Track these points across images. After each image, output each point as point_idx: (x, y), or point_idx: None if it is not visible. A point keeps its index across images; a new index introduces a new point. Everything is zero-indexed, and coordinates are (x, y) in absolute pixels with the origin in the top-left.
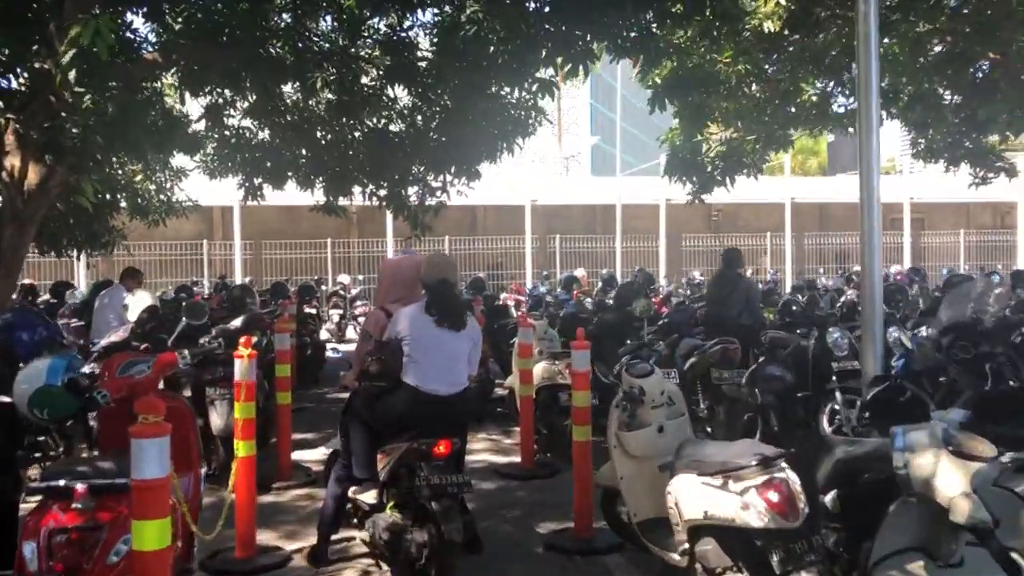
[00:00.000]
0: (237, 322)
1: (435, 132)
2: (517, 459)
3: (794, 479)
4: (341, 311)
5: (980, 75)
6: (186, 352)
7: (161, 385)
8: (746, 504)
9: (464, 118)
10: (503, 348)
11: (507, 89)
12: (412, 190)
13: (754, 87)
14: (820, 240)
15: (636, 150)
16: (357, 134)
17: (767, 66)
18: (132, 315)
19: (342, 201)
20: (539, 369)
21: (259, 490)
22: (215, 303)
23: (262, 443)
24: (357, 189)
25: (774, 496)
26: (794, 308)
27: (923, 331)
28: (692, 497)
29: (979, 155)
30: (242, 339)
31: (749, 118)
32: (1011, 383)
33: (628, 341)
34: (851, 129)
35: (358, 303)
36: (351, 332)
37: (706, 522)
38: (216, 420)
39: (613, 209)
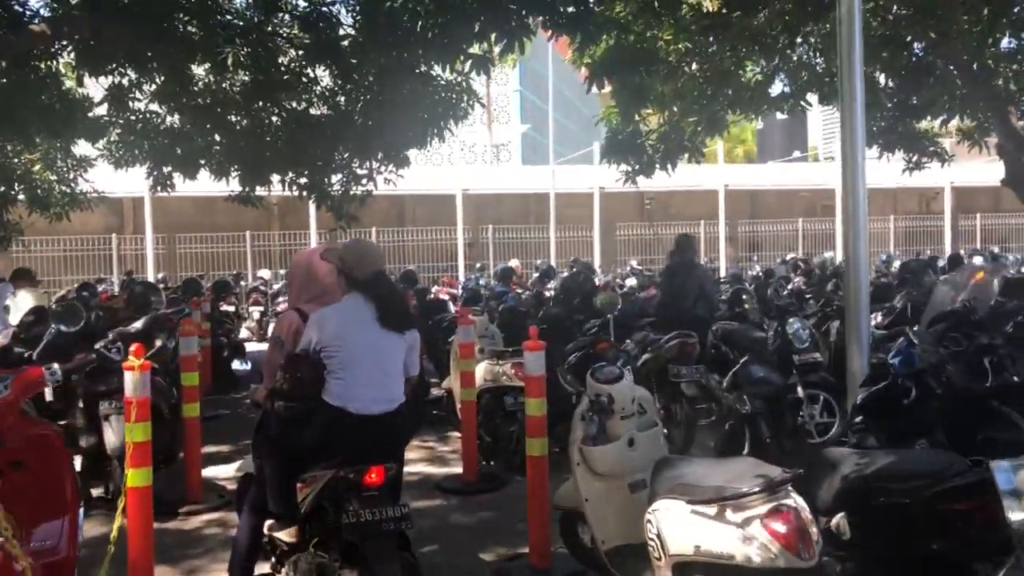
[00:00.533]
0: (138, 324)
1: (359, 115)
2: (458, 469)
3: (804, 507)
4: (262, 308)
5: (915, 58)
6: (55, 367)
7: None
8: (748, 537)
9: (391, 100)
10: (439, 346)
11: (437, 68)
12: (335, 178)
13: (694, 66)
14: (753, 228)
15: (567, 139)
16: (275, 118)
17: (707, 45)
18: (15, 318)
19: (260, 191)
20: (481, 370)
21: (164, 515)
22: (122, 302)
23: (169, 460)
24: (276, 177)
25: (782, 527)
26: (744, 297)
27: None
28: (680, 528)
29: (913, 140)
30: (132, 347)
31: (689, 99)
32: (1015, 379)
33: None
34: (780, 114)
35: (280, 299)
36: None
37: (697, 558)
38: (111, 438)
39: (546, 198)
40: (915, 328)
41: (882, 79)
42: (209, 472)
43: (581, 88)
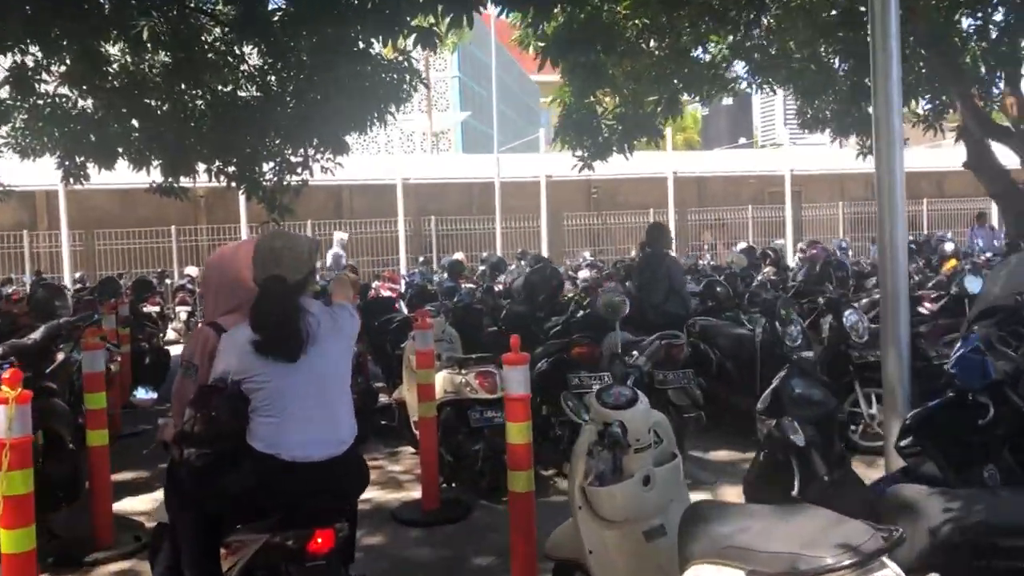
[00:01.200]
0: (35, 335)
1: (292, 98)
2: (415, 493)
3: None
4: (190, 308)
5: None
6: None
7: None
8: None
9: (327, 81)
10: (386, 350)
11: (377, 46)
12: (267, 167)
13: (652, 43)
14: (701, 216)
15: (508, 128)
16: (199, 102)
17: (667, 21)
18: None
19: (184, 181)
20: (440, 380)
21: (65, 566)
22: (25, 307)
23: (73, 497)
24: (202, 167)
25: None
26: (719, 290)
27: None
28: None
29: (867, 124)
30: (6, 372)
31: (647, 78)
32: None
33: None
34: (726, 100)
35: None
36: None
37: None
38: None
39: (490, 188)
40: None
41: (836, 62)
42: (123, 506)
43: (522, 76)
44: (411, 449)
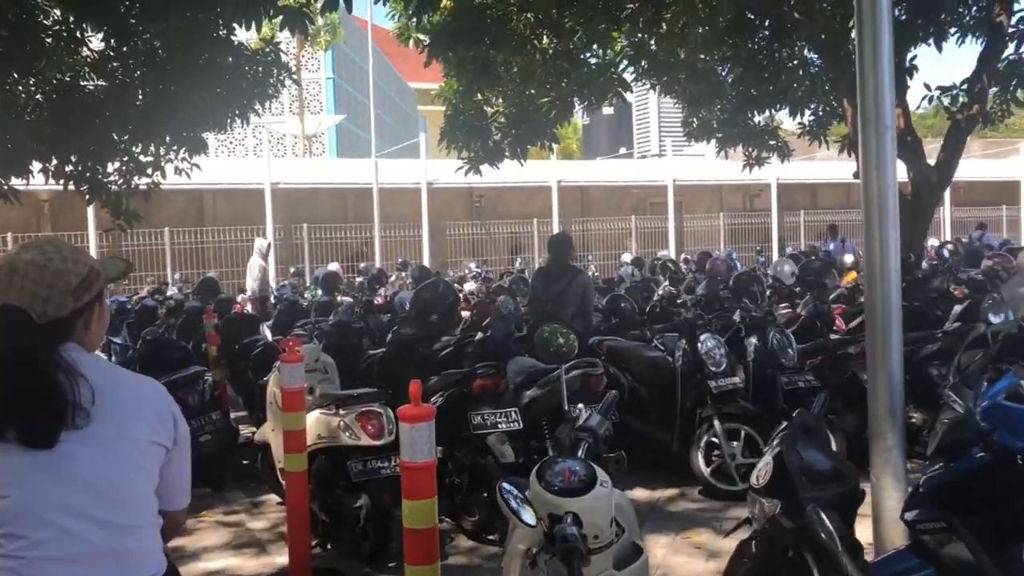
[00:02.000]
0: None
1: (142, 90)
2: (281, 558)
3: None
4: None
5: (762, 45)
6: None
7: None
8: None
9: (182, 71)
10: (247, 376)
11: (241, 33)
12: (112, 167)
13: (545, 41)
14: (585, 226)
15: (385, 134)
16: (35, 92)
17: (560, 17)
18: None
19: (17, 183)
20: (312, 423)
21: None
22: None
23: None
24: (37, 166)
25: None
26: (623, 305)
27: None
28: None
29: (753, 134)
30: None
31: (541, 77)
32: None
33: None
34: (608, 110)
35: None
36: None
37: None
38: None
39: (367, 194)
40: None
41: (725, 70)
42: None
43: (399, 82)
44: (276, 498)
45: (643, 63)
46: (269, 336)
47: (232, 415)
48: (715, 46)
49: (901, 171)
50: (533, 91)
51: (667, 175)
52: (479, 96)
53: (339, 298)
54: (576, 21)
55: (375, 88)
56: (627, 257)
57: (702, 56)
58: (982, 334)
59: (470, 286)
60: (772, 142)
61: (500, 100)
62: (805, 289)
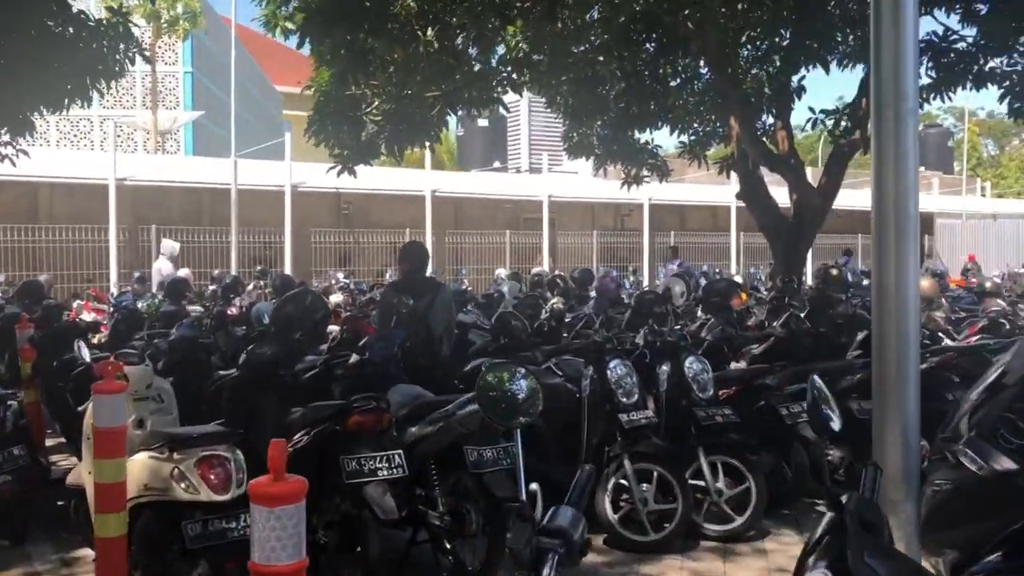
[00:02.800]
0: None
1: None
2: None
3: None
4: None
5: (647, 62)
6: None
7: None
8: None
9: (8, 38)
10: (66, 401)
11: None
12: None
13: (430, 32)
14: (458, 239)
15: (248, 134)
16: None
17: (442, 8)
18: None
19: None
20: (137, 469)
21: None
22: None
23: None
24: None
25: None
26: (514, 323)
27: None
28: None
29: (632, 152)
30: None
31: (423, 72)
32: None
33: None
34: (482, 120)
35: None
36: None
37: None
38: None
39: (225, 196)
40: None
41: (608, 85)
42: None
43: (264, 83)
44: (93, 555)
45: (526, 72)
46: (86, 355)
47: (50, 443)
48: (606, 52)
49: (782, 195)
50: (411, 90)
51: (543, 191)
52: (353, 88)
53: (187, 308)
54: (462, 16)
55: (239, 86)
56: (502, 272)
57: (587, 68)
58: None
59: (336, 298)
60: (651, 161)
61: (377, 95)
62: (708, 311)
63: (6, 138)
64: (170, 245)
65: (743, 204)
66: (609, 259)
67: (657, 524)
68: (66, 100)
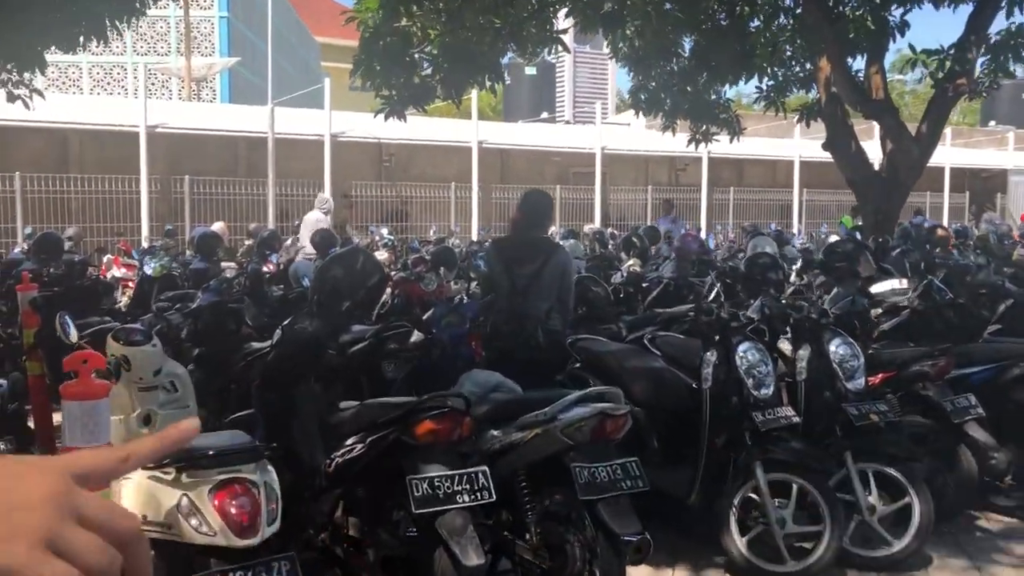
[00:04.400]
0: None
1: None
2: None
3: None
4: None
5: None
6: None
7: None
8: None
9: None
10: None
11: None
12: None
13: None
14: (505, 194)
15: (284, 83)
16: None
17: None
18: None
19: None
20: (136, 493)
21: None
22: None
23: None
24: None
25: None
26: (594, 291)
27: None
28: None
29: (703, 107)
30: None
31: (477, 5)
32: None
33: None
34: (530, 68)
35: None
36: None
37: None
38: None
39: (261, 145)
40: None
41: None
42: None
43: (303, 32)
44: None
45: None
46: (72, 334)
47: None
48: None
49: (874, 148)
50: (467, 23)
51: (594, 143)
52: (404, 21)
53: (220, 265)
54: None
55: (276, 33)
56: (555, 229)
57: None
58: None
59: (380, 256)
60: (723, 116)
61: (429, 27)
62: (831, 279)
63: (16, 77)
64: (324, 197)
65: (811, 158)
66: (658, 215)
67: (797, 552)
68: (81, 39)
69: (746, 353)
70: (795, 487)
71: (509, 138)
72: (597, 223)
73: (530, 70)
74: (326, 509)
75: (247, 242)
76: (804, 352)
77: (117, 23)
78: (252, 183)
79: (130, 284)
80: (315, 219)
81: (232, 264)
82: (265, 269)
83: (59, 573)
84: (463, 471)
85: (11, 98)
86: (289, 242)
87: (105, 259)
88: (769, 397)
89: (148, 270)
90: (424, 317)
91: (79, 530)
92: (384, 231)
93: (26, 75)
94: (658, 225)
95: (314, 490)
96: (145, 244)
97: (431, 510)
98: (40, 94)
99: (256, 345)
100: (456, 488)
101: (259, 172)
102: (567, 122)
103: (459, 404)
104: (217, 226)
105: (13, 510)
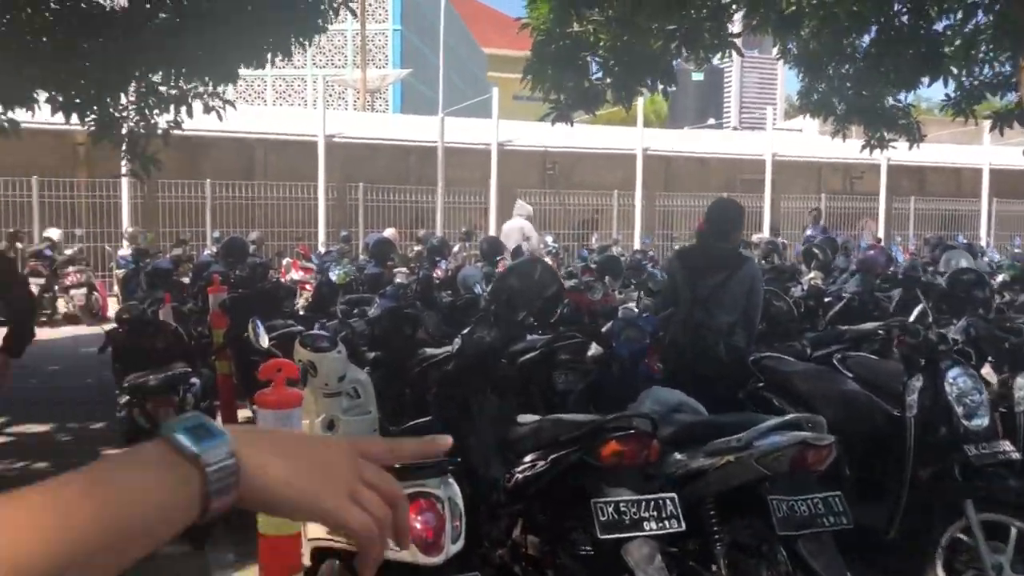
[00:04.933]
0: None
1: (168, 8)
2: None
3: None
4: (43, 281)
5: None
6: None
7: None
8: None
9: None
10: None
11: None
12: (127, 99)
13: None
14: (669, 201)
15: (454, 95)
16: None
17: None
18: None
19: (21, 116)
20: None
21: None
22: None
23: None
24: (43, 96)
25: None
26: (777, 305)
27: None
28: None
29: (878, 113)
30: None
31: (653, 3)
32: None
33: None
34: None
35: (71, 268)
36: (62, 307)
37: None
38: None
39: (430, 155)
40: None
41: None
42: None
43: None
44: None
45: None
46: (263, 340)
47: (244, 413)
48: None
49: None
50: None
51: (763, 149)
52: (575, 25)
53: (394, 273)
54: None
55: (445, 45)
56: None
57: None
58: None
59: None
60: (902, 122)
61: (601, 32)
62: None
63: (211, 88)
64: (525, 206)
65: (1003, 166)
66: (837, 225)
67: None
68: (268, 55)
69: (956, 379)
70: (1014, 531)
71: (674, 145)
72: (765, 232)
73: (697, 75)
74: (504, 526)
75: (416, 248)
76: (1019, 382)
77: (301, 39)
78: (421, 191)
79: (307, 287)
80: (518, 226)
81: (403, 270)
82: (435, 274)
83: (360, 519)
84: (651, 497)
85: (206, 109)
86: (456, 248)
87: (284, 262)
88: (983, 429)
89: (333, 276)
90: (603, 329)
91: (366, 488)
92: (548, 239)
93: (220, 88)
94: (808, 234)
95: (491, 505)
96: (322, 249)
97: (617, 536)
98: (232, 105)
99: (430, 351)
100: (643, 514)
101: (428, 180)
102: (734, 128)
103: (646, 426)
104: (388, 232)
105: (329, 466)
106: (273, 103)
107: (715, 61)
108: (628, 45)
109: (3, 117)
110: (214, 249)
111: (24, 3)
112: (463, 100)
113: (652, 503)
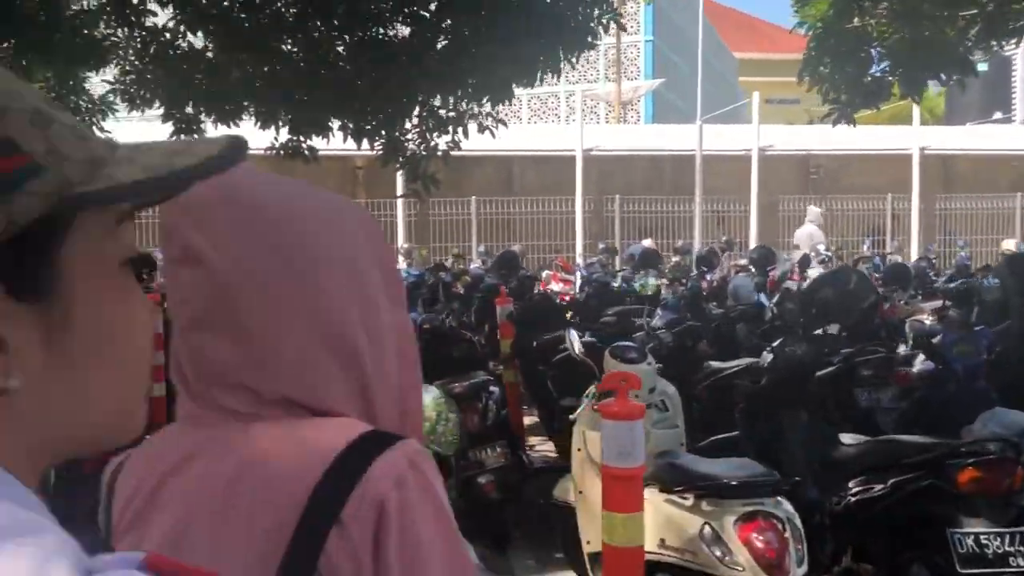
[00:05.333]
0: None
1: (446, 35)
2: None
3: None
4: None
5: None
6: None
7: None
8: None
9: (491, 12)
10: (543, 382)
11: None
12: (410, 124)
13: None
14: (949, 204)
15: (705, 103)
16: (337, 44)
17: None
18: None
19: (319, 143)
20: (651, 514)
21: None
22: None
23: None
24: (335, 123)
25: None
26: None
27: None
28: None
29: None
30: None
31: None
32: None
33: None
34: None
35: None
36: None
37: None
38: None
39: (684, 163)
40: None
41: None
42: None
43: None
44: None
45: None
46: (576, 346)
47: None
48: None
49: None
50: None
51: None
52: (856, 20)
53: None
54: None
55: (694, 51)
56: (1010, 243)
57: None
58: None
59: (814, 272)
60: None
61: (884, 27)
62: None
63: (487, 108)
64: (815, 210)
65: None
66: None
67: None
68: (538, 69)
69: None
70: None
71: (954, 142)
72: None
73: (982, 66)
74: (829, 550)
75: (674, 259)
76: None
77: (570, 56)
78: (676, 200)
79: (566, 298)
80: (808, 232)
81: (663, 280)
82: (698, 283)
83: None
84: (1016, 530)
85: (480, 129)
86: (724, 257)
87: (544, 274)
88: None
89: (636, 286)
90: (933, 341)
91: None
92: (820, 247)
93: (496, 108)
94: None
95: (813, 528)
96: (580, 261)
97: (980, 572)
98: (504, 124)
99: (715, 364)
100: (1007, 548)
101: (682, 189)
102: (1022, 122)
103: (1008, 451)
104: (647, 242)
105: None
106: (528, 120)
107: (1000, 50)
108: (917, 34)
109: (304, 144)
110: (479, 262)
111: (321, 41)
112: (716, 107)
113: (1018, 536)
